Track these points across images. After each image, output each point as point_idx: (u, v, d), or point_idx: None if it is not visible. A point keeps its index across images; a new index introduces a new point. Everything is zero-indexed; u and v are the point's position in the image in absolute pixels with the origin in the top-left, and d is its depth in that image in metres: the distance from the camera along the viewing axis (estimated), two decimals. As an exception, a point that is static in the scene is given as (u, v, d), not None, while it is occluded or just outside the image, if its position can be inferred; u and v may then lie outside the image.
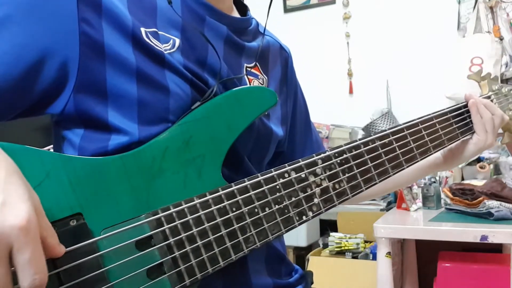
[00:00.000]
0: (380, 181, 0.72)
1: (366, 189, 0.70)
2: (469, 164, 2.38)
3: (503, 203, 1.85)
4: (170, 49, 0.64)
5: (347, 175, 0.69)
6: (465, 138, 0.92)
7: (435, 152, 0.83)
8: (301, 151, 0.88)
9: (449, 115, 0.89)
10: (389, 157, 0.74)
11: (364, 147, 0.72)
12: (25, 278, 0.41)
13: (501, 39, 2.59)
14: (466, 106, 0.93)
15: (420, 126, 0.82)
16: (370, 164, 0.71)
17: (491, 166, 2.35)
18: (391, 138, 0.76)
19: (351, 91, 3.05)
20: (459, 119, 0.90)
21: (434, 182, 2.17)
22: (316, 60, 3.10)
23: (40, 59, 0.57)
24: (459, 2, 2.74)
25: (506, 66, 2.57)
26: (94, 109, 0.60)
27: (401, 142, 0.77)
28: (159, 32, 0.64)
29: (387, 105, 2.93)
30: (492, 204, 1.84)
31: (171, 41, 0.65)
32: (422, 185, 2.18)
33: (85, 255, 0.50)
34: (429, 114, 0.85)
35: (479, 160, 2.39)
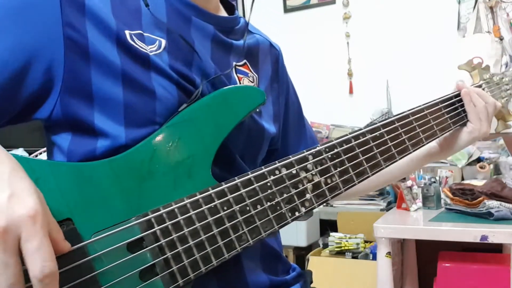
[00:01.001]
0: (372, 174, 0.72)
1: (358, 182, 0.70)
2: (469, 164, 2.38)
3: (503, 203, 1.84)
4: (156, 50, 0.64)
5: (338, 169, 0.68)
6: (458, 127, 0.91)
7: (427, 143, 0.83)
8: (295, 148, 0.88)
9: (441, 106, 0.88)
10: (381, 149, 0.74)
11: (355, 141, 0.71)
12: (35, 266, 0.42)
13: (501, 39, 2.59)
14: (457, 96, 0.92)
15: (411, 118, 0.81)
16: (362, 158, 0.71)
17: (491, 166, 2.34)
18: (382, 131, 0.75)
19: (351, 91, 3.05)
20: (451, 109, 0.90)
21: (434, 182, 2.16)
22: (316, 60, 3.09)
23: (26, 64, 0.58)
24: (459, 2, 2.74)
25: (506, 66, 2.57)
26: (80, 113, 0.60)
27: (393, 135, 0.76)
28: (145, 34, 0.64)
29: (387, 105, 2.92)
30: (492, 204, 1.84)
31: (157, 42, 0.65)
32: (422, 185, 2.17)
33: (75, 259, 0.50)
34: (420, 106, 0.84)
35: (479, 160, 2.38)
